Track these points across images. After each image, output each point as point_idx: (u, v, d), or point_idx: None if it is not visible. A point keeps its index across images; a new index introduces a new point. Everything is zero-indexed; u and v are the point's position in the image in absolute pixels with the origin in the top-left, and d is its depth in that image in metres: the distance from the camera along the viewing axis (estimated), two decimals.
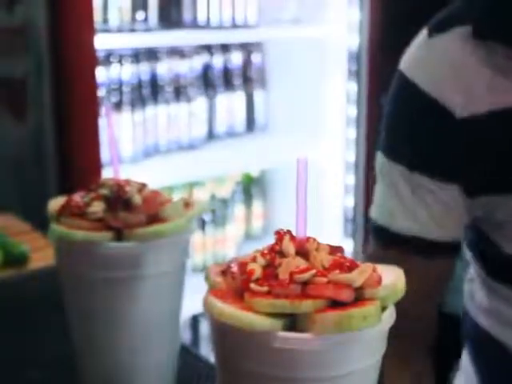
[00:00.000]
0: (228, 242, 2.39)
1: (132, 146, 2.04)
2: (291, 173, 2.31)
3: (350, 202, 2.44)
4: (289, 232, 0.48)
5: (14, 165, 1.86)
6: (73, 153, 1.75)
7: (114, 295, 0.61)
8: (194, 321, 2.32)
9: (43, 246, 1.18)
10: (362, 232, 2.40)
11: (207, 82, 2.30)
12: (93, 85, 1.72)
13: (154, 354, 0.64)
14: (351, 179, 2.42)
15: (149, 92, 2.10)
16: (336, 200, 2.45)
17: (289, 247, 0.47)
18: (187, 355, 0.73)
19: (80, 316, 0.64)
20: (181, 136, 2.20)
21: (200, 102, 2.25)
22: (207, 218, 2.33)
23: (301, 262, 0.46)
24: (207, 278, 0.49)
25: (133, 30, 1.96)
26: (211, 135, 2.34)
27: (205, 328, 2.35)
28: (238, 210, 2.46)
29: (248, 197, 2.51)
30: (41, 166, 1.79)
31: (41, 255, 1.13)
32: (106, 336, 0.62)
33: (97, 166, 1.76)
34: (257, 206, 2.53)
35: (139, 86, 2.07)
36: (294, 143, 2.36)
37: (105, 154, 1.77)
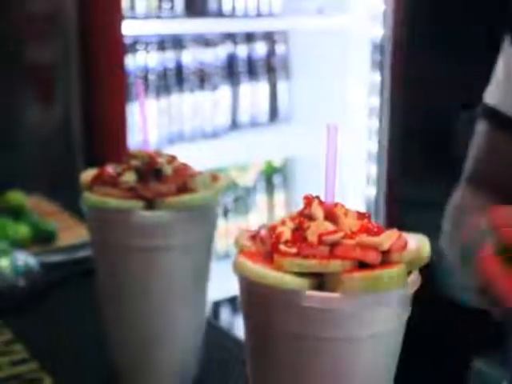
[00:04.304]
0: None
1: (157, 132, 2.06)
2: (313, 162, 2.30)
3: (372, 191, 2.45)
4: (317, 197, 0.50)
5: (43, 150, 1.88)
6: (100, 138, 1.77)
7: (145, 263, 0.63)
8: (216, 307, 2.34)
9: (71, 226, 1.21)
10: (383, 222, 2.40)
11: (231, 71, 2.32)
12: (120, 70, 1.74)
13: (184, 317, 0.65)
14: (373, 169, 2.42)
15: (174, 79, 2.12)
16: (358, 190, 2.46)
17: (317, 211, 0.48)
18: (210, 329, 0.74)
19: (111, 283, 0.65)
20: (205, 124, 2.21)
21: (224, 91, 2.27)
22: (230, 206, 2.35)
23: (329, 226, 0.47)
24: (237, 243, 0.50)
25: (159, 18, 1.98)
26: (235, 124, 2.35)
27: (226, 315, 2.37)
28: (261, 198, 2.47)
29: (270, 186, 2.52)
30: (69, 151, 1.81)
31: (68, 234, 1.16)
32: (136, 301, 0.64)
33: (124, 152, 1.78)
34: (279, 195, 2.55)
35: (164, 73, 2.09)
36: (317, 133, 2.36)
37: (132, 140, 1.79)
